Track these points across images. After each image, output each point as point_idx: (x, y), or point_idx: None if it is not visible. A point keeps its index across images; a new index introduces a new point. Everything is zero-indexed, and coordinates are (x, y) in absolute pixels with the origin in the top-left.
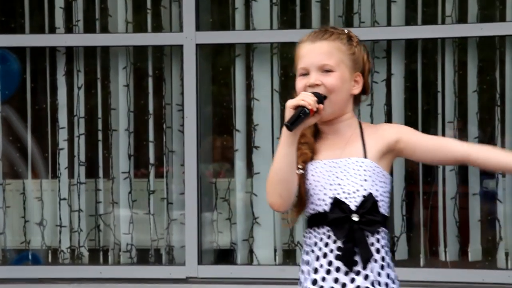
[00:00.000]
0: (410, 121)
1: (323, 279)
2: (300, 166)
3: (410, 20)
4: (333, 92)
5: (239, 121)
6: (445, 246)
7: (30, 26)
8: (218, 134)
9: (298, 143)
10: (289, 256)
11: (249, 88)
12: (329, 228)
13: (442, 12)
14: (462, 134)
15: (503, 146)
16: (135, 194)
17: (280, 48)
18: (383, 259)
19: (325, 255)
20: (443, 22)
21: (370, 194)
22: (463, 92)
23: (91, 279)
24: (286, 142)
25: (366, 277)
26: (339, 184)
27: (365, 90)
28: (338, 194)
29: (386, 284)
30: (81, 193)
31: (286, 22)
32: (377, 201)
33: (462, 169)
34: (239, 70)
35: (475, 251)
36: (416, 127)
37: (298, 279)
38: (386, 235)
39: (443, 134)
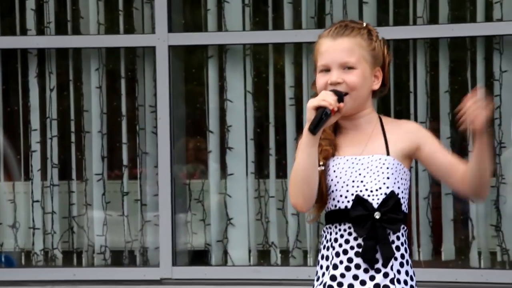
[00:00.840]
0: None
1: (342, 275)
2: (321, 163)
3: (381, 21)
4: (354, 89)
5: (213, 122)
6: (419, 246)
7: (0, 28)
8: (191, 136)
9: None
10: (264, 256)
11: (222, 89)
12: (350, 225)
13: (413, 13)
14: (434, 134)
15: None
16: (109, 195)
17: (252, 49)
18: (402, 256)
19: (345, 252)
20: (414, 23)
21: (393, 192)
22: (435, 92)
23: (65, 281)
24: (308, 142)
25: (386, 275)
26: (361, 181)
27: (384, 84)
28: (361, 191)
29: (405, 282)
30: (54, 195)
31: (259, 23)
32: (399, 199)
33: None
34: (212, 72)
35: (448, 250)
36: None
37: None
38: (405, 232)
39: None
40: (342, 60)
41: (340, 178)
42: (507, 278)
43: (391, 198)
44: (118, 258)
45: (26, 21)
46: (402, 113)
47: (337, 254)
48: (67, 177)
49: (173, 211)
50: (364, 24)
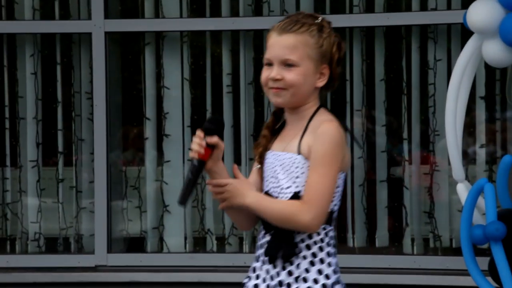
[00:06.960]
0: None
1: (260, 268)
2: (258, 164)
3: (318, 9)
4: (293, 87)
5: (149, 110)
6: (353, 233)
7: None
8: (128, 123)
9: (262, 134)
10: (199, 243)
11: (159, 76)
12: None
13: (350, 2)
14: (370, 122)
15: (409, 133)
16: (44, 182)
17: (190, 37)
18: (314, 255)
19: (262, 246)
20: (350, 12)
21: (295, 193)
22: (370, 80)
23: None
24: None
25: (290, 273)
26: (276, 178)
27: (332, 80)
28: (274, 187)
29: (315, 280)
30: None
31: (196, 11)
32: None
33: (370, 156)
34: (149, 58)
35: (382, 237)
36: None
37: None
38: (324, 230)
39: (352, 122)
40: (283, 57)
41: (265, 172)
42: (439, 264)
43: (293, 199)
44: (52, 245)
45: None
46: (339, 101)
47: (257, 248)
48: (1, 164)
49: (109, 198)
50: (319, 19)
